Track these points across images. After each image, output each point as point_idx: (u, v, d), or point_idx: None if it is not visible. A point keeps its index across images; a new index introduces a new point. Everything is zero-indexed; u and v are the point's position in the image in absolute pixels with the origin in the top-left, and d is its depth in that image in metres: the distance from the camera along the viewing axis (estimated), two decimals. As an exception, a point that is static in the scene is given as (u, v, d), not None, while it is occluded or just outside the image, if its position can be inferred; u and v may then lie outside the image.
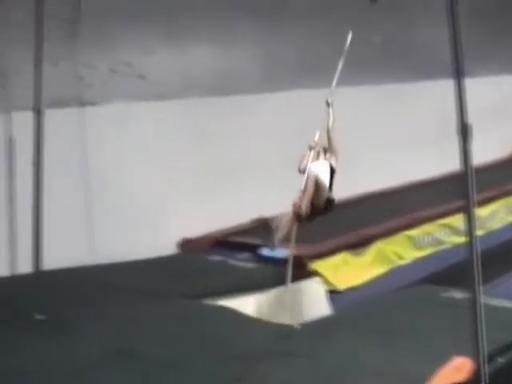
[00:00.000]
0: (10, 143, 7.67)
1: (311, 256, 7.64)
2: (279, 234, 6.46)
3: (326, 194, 6.53)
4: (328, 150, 6.71)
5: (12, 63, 7.53)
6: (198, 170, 8.82)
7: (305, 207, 6.43)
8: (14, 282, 7.35)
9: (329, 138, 6.76)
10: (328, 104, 7.09)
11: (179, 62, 8.88)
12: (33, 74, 7.59)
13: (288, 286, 6.45)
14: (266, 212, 9.17)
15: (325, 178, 6.53)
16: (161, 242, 8.07)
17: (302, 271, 7.39)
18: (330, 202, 6.57)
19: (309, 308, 6.88)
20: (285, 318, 6.24)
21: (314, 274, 7.46)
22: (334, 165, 6.65)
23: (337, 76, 7.16)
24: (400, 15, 10.89)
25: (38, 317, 5.92)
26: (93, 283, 6.89)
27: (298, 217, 6.47)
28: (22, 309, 6.12)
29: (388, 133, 11.09)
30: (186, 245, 8.49)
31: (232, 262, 7.63)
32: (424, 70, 11.52)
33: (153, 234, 8.12)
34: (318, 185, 6.51)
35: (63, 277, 7.17)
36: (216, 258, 7.81)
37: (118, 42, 8.23)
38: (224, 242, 8.33)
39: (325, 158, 6.65)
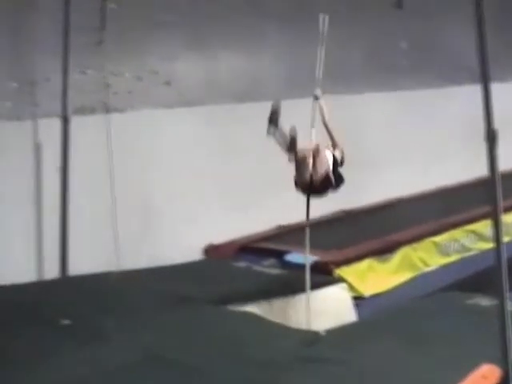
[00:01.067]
0: (38, 149, 7.75)
1: (337, 262, 7.62)
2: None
3: (325, 170, 6.29)
4: (332, 145, 6.52)
5: (40, 71, 7.62)
6: (223, 177, 8.84)
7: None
8: (41, 287, 7.42)
9: (328, 133, 6.58)
10: (316, 98, 6.92)
11: (205, 69, 8.92)
12: (60, 82, 7.68)
13: (308, 293, 6.39)
14: (291, 219, 9.22)
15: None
16: (186, 248, 8.10)
17: (327, 277, 7.40)
18: (328, 179, 6.34)
19: (334, 314, 6.86)
20: (310, 325, 6.23)
21: (340, 280, 7.44)
22: (337, 156, 6.48)
23: (321, 65, 7.08)
24: (426, 20, 10.86)
25: (64, 322, 5.97)
26: (118, 289, 6.93)
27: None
28: (49, 314, 6.17)
29: (414, 138, 11.05)
30: (212, 251, 8.51)
31: (257, 268, 7.63)
32: (450, 76, 11.48)
33: (178, 240, 8.14)
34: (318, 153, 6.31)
35: (89, 282, 7.22)
36: (241, 264, 7.82)
37: (144, 49, 8.28)
38: (249, 248, 8.33)
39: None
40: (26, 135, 7.64)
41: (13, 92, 7.54)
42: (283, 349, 5.42)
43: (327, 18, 6.84)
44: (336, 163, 6.42)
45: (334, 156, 6.40)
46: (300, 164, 6.28)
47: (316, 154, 6.27)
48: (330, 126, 6.62)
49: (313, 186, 6.31)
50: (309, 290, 6.35)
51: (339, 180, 6.52)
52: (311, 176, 6.24)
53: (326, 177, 6.31)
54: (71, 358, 5.27)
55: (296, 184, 6.39)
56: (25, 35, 7.53)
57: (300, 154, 6.26)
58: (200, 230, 8.44)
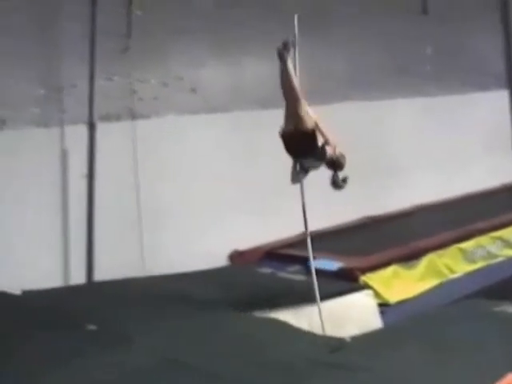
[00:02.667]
0: (64, 155, 7.81)
1: (362, 268, 7.60)
2: None
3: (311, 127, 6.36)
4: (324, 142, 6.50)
5: (67, 78, 7.68)
6: (247, 183, 8.85)
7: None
8: (67, 292, 7.47)
9: (320, 132, 6.50)
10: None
11: (229, 75, 8.94)
12: (86, 89, 7.74)
13: (318, 302, 6.40)
14: (316, 225, 9.20)
15: None
16: (211, 254, 8.11)
17: (352, 284, 7.38)
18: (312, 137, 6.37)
19: (359, 321, 6.84)
20: (335, 331, 6.22)
21: (365, 286, 7.41)
22: (330, 152, 6.52)
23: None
24: (451, 26, 10.82)
25: (90, 327, 6.00)
26: (144, 294, 6.95)
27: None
28: (75, 319, 6.20)
29: (439, 144, 11.00)
30: (237, 257, 8.52)
31: (282, 274, 7.63)
32: (475, 81, 11.43)
33: (204, 246, 8.16)
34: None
35: (115, 288, 7.25)
36: (266, 270, 7.83)
37: (169, 56, 8.33)
38: (274, 255, 8.33)
39: None
40: (52, 141, 7.71)
41: (40, 98, 7.61)
42: (308, 355, 5.41)
43: (296, 17, 6.83)
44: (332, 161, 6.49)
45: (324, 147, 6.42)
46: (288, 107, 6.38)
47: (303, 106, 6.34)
48: (322, 126, 6.59)
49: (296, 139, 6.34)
50: (318, 299, 6.36)
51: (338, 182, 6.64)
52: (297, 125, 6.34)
53: (312, 133, 6.34)
54: (95, 363, 5.28)
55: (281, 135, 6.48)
56: (52, 42, 7.61)
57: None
58: (225, 236, 8.45)
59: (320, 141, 6.45)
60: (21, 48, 7.31)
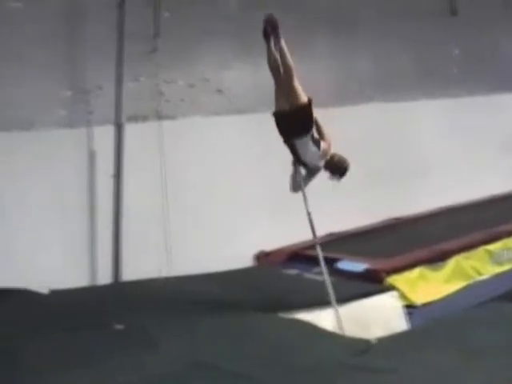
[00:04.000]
0: (92, 156, 7.86)
1: (388, 270, 7.57)
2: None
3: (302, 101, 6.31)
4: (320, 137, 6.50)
5: (94, 80, 7.74)
6: (274, 183, 8.85)
7: None
8: (94, 292, 7.52)
9: (317, 126, 6.52)
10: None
11: (255, 77, 8.94)
12: (114, 90, 7.79)
13: (335, 306, 6.39)
14: (341, 227, 9.19)
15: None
16: (237, 255, 8.13)
17: (378, 285, 7.36)
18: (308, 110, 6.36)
19: (385, 323, 6.82)
20: (361, 333, 6.21)
21: (391, 288, 7.39)
22: (324, 147, 6.50)
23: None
24: (480, 28, 10.75)
25: (117, 327, 6.03)
26: (170, 295, 6.98)
27: None
28: (101, 319, 6.24)
29: (465, 146, 10.94)
30: (263, 258, 8.53)
31: (308, 275, 7.63)
32: (503, 83, 11.35)
33: (229, 247, 8.18)
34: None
35: (141, 288, 7.30)
36: (292, 271, 7.83)
37: (196, 57, 8.35)
38: (300, 256, 8.32)
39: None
40: (80, 143, 7.77)
41: (68, 100, 7.67)
42: (334, 357, 5.41)
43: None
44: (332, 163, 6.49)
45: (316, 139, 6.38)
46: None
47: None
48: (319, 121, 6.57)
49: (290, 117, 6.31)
50: (334, 302, 6.37)
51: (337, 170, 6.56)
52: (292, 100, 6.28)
53: (308, 105, 6.33)
54: (119, 364, 5.32)
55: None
56: (79, 45, 7.66)
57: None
58: (251, 236, 8.46)
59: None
60: (49, 51, 7.38)
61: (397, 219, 9.78)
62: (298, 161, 6.52)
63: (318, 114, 9.42)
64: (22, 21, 7.19)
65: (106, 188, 7.86)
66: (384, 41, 9.82)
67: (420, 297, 7.60)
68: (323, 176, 9.24)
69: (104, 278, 7.84)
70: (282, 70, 6.32)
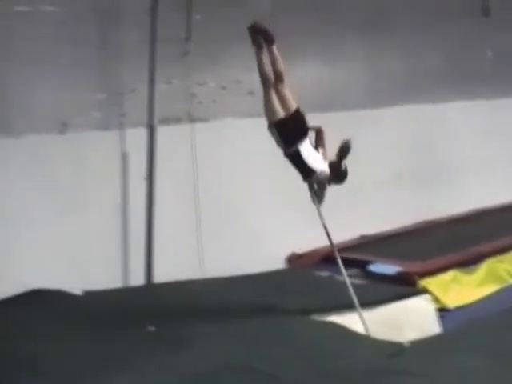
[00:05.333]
0: (124, 158, 7.92)
1: (420, 273, 7.53)
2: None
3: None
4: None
5: (127, 82, 7.79)
6: (303, 185, 8.85)
7: None
8: (127, 293, 7.56)
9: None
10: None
11: (287, 79, 8.93)
12: (146, 92, 7.84)
13: (359, 311, 6.35)
14: (373, 229, 9.16)
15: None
16: (269, 257, 8.13)
17: (410, 288, 7.32)
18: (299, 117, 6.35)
19: (417, 326, 6.79)
20: (393, 336, 6.18)
21: (423, 291, 7.35)
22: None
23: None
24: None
25: (150, 328, 6.06)
26: (202, 297, 7.00)
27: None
28: (135, 320, 6.27)
29: (499, 148, 10.85)
30: (295, 260, 8.52)
31: (340, 277, 7.60)
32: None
33: (262, 249, 8.18)
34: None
35: (174, 290, 7.32)
36: (324, 273, 7.81)
37: (228, 59, 8.37)
38: (332, 258, 8.28)
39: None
40: (113, 144, 7.83)
41: (102, 103, 7.73)
42: (366, 360, 5.39)
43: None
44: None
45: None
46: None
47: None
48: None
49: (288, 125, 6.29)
50: (358, 307, 6.34)
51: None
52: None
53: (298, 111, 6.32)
54: (154, 365, 5.34)
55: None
56: (112, 47, 7.71)
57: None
58: (283, 238, 8.46)
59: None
60: (83, 54, 7.44)
61: (429, 222, 9.72)
62: (304, 172, 6.49)
63: (348, 116, 9.47)
64: (56, 24, 7.25)
65: (139, 190, 7.91)
66: (416, 42, 9.78)
67: (453, 300, 7.56)
68: (354, 179, 9.25)
69: (136, 279, 7.88)
70: (273, 78, 6.33)
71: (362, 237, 8.99)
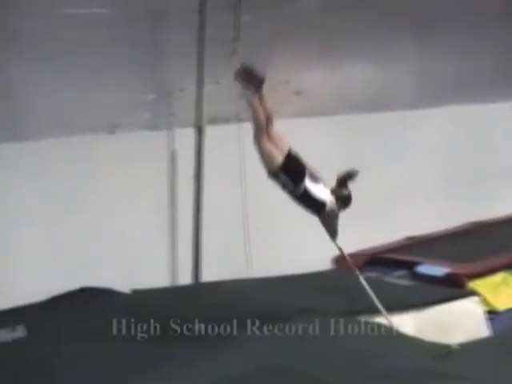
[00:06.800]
0: (173, 158, 7.98)
1: (469, 275, 7.46)
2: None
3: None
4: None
5: (176, 82, 7.85)
6: (354, 186, 8.81)
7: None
8: (174, 292, 7.62)
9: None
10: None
11: (336, 79, 8.93)
12: (195, 93, 7.89)
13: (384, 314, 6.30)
14: (420, 230, 9.10)
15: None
16: (316, 258, 8.11)
17: (459, 290, 7.26)
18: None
19: (466, 328, 6.72)
20: (441, 338, 6.13)
21: (472, 293, 7.28)
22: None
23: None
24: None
25: (196, 327, 6.09)
26: (247, 297, 7.01)
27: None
28: (182, 319, 6.29)
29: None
30: (341, 261, 8.48)
31: (388, 279, 7.58)
32: None
33: (308, 250, 8.16)
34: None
35: (221, 289, 7.35)
36: (371, 274, 7.77)
37: (275, 59, 8.37)
38: (379, 259, 8.27)
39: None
40: (162, 144, 7.90)
41: (150, 103, 7.81)
42: (413, 362, 5.34)
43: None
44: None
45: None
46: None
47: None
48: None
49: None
50: (384, 311, 6.27)
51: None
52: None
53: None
54: (201, 364, 5.37)
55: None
56: (161, 48, 7.78)
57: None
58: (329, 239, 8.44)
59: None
60: (133, 55, 7.52)
61: (478, 223, 9.63)
62: (316, 207, 6.35)
63: (396, 116, 9.41)
64: (107, 26, 7.33)
65: (187, 189, 7.97)
66: (465, 43, 9.68)
67: (502, 302, 7.47)
68: (401, 180, 9.21)
69: (184, 278, 7.94)
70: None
71: (409, 238, 8.93)
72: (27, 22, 6.91)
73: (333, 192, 6.35)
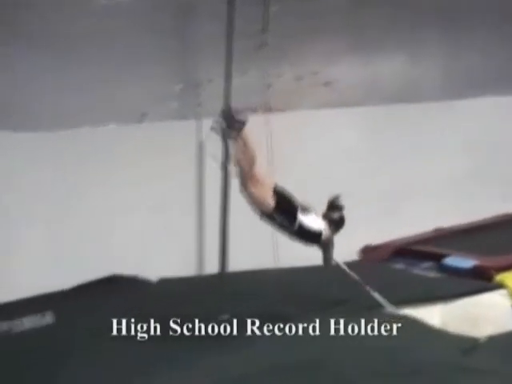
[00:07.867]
0: (200, 147, 8.00)
1: (497, 267, 7.40)
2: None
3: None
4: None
5: (204, 73, 7.87)
6: (380, 177, 8.81)
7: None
8: (201, 281, 7.66)
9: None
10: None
11: (364, 70, 8.90)
12: (223, 83, 7.89)
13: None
14: (446, 222, 9.05)
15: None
16: (343, 249, 8.10)
17: (486, 283, 7.21)
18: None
19: (493, 322, 6.68)
20: (468, 331, 6.11)
21: (500, 286, 7.23)
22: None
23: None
24: None
25: (222, 317, 6.11)
26: (274, 287, 7.04)
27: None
28: (207, 308, 6.33)
29: None
30: (369, 252, 8.48)
31: (415, 270, 7.55)
32: None
33: (336, 239, 8.16)
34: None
35: (247, 279, 7.37)
36: (398, 266, 7.76)
37: (304, 51, 8.37)
38: (406, 251, 8.24)
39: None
40: (189, 133, 7.93)
41: (178, 93, 7.84)
42: (439, 354, 5.33)
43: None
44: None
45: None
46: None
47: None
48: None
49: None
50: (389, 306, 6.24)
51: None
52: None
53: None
54: (224, 357, 5.42)
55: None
56: (190, 39, 7.80)
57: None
58: (357, 230, 8.41)
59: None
60: (162, 46, 7.55)
61: (506, 216, 9.55)
62: (313, 239, 6.40)
63: (424, 108, 9.36)
64: (136, 16, 7.36)
65: (215, 179, 7.98)
66: (489, 37, 9.61)
67: (530, 296, 7.42)
68: (429, 172, 9.17)
69: (211, 268, 7.96)
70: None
71: (437, 230, 8.88)
72: (58, 16, 6.95)
73: (324, 216, 6.40)
